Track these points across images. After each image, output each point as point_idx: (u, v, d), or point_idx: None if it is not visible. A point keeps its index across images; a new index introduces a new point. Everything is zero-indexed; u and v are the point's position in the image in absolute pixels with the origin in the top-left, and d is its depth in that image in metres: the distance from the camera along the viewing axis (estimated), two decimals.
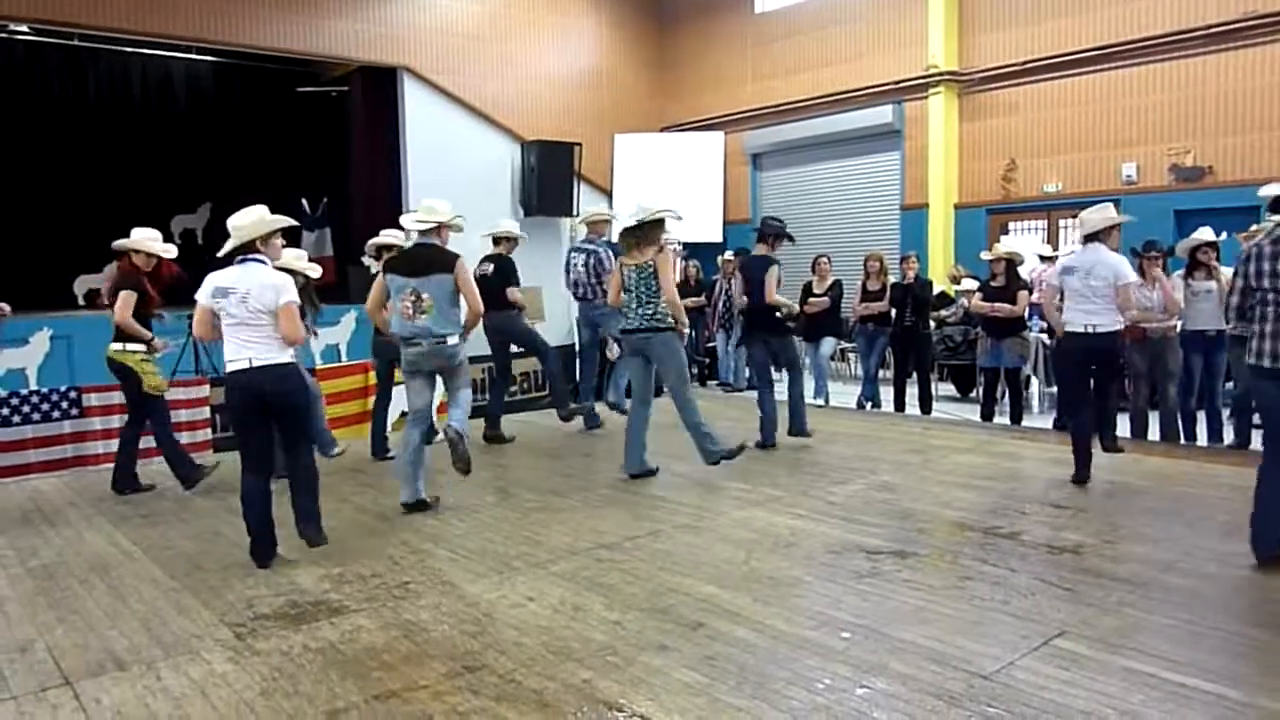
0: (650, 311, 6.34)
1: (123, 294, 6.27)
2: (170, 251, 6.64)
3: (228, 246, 4.78)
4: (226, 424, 7.90)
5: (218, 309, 4.68)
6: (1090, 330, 5.95)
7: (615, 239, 7.32)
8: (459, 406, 5.76)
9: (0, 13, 10.86)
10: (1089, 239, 6.05)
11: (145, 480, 6.57)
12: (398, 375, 7.25)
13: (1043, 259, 10.09)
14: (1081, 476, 6.10)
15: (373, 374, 8.67)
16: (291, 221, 5.09)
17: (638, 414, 6.53)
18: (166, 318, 7.00)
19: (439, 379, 5.84)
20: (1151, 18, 10.57)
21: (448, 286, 5.60)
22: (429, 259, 5.65)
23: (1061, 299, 6.14)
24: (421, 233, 5.84)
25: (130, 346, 6.33)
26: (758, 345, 7.59)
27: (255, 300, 4.63)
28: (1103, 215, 6.07)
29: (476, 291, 5.76)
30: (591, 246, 8.40)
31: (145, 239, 6.48)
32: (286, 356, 4.74)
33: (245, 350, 4.66)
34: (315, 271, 6.60)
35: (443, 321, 5.61)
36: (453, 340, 5.67)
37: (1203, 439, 7.74)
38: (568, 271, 8.51)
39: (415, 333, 5.61)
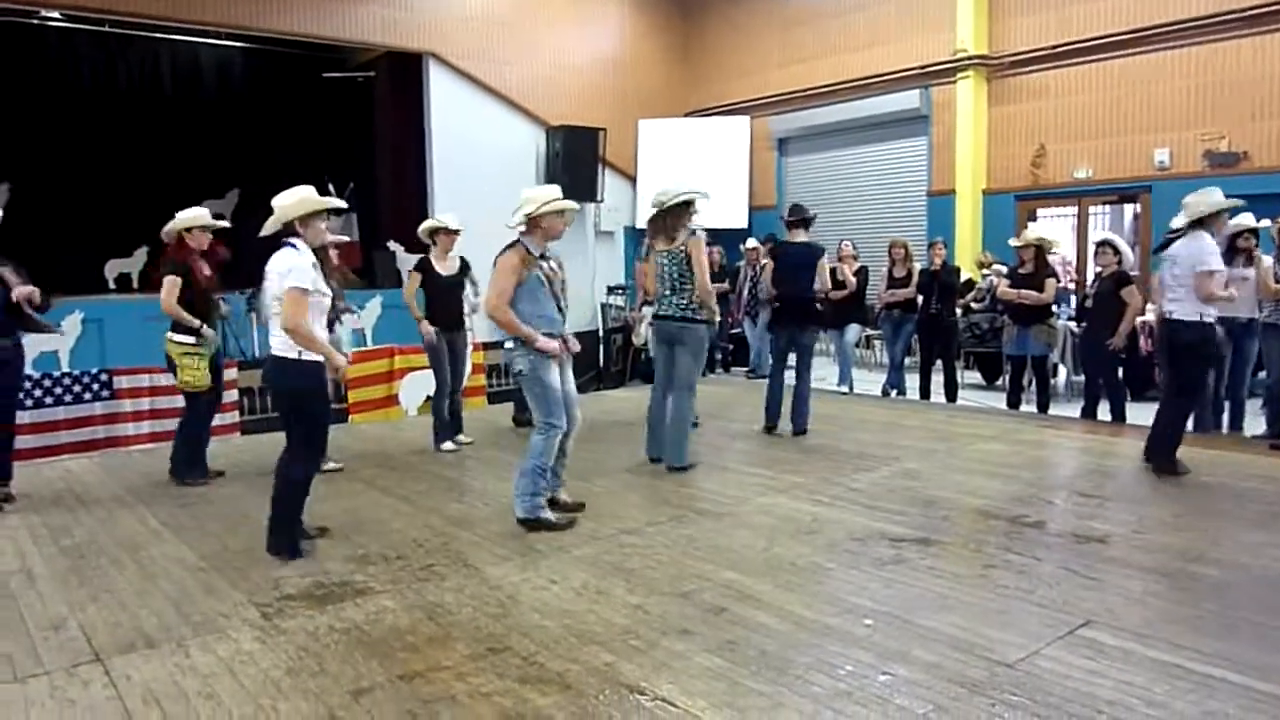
0: (685, 301, 6.29)
1: (167, 279, 6.00)
2: (222, 223, 6.36)
3: (267, 228, 4.64)
4: (257, 407, 7.99)
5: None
6: (1169, 317, 5.93)
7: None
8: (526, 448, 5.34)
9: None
10: (1194, 225, 5.88)
11: (215, 467, 6.47)
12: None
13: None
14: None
15: (399, 359, 8.75)
16: (337, 203, 4.89)
17: (662, 403, 6.50)
18: (226, 305, 6.63)
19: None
20: (1184, 1, 10.38)
21: None
22: None
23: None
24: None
25: (177, 336, 6.07)
26: (782, 335, 7.57)
27: (271, 289, 4.54)
28: (1206, 200, 5.87)
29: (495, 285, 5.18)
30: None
31: (196, 216, 6.14)
32: (293, 351, 4.50)
33: (270, 338, 4.65)
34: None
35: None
36: (508, 344, 5.38)
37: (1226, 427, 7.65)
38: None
39: None
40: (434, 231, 7.20)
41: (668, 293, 6.33)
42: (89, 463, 7.11)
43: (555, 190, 5.24)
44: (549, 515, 5.08)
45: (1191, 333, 5.88)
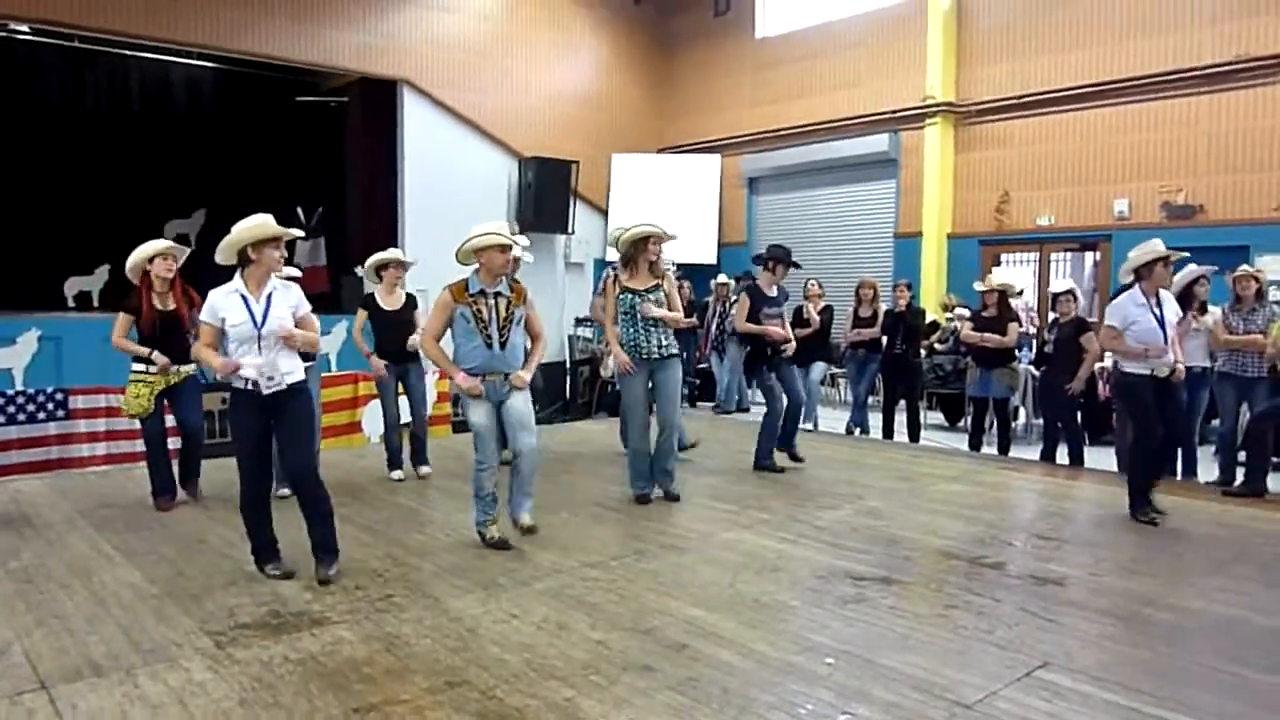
0: (668, 339, 6.36)
1: (119, 316, 6.03)
2: (182, 247, 6.25)
3: (221, 255, 4.64)
4: (216, 430, 7.88)
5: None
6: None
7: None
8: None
9: (1, 11, 10.87)
10: (1136, 278, 6.05)
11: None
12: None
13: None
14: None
15: (363, 385, 8.67)
16: (294, 233, 4.86)
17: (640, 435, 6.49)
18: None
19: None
20: (1147, 57, 10.70)
21: None
22: None
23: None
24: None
25: (134, 364, 6.06)
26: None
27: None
28: (1140, 252, 6.03)
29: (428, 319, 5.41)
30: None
31: (151, 247, 6.06)
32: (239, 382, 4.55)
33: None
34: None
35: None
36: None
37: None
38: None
39: None
40: (381, 267, 7.19)
41: (649, 330, 6.29)
42: (40, 484, 6.95)
43: (494, 225, 5.24)
44: (484, 534, 5.28)
45: (1118, 379, 6.17)
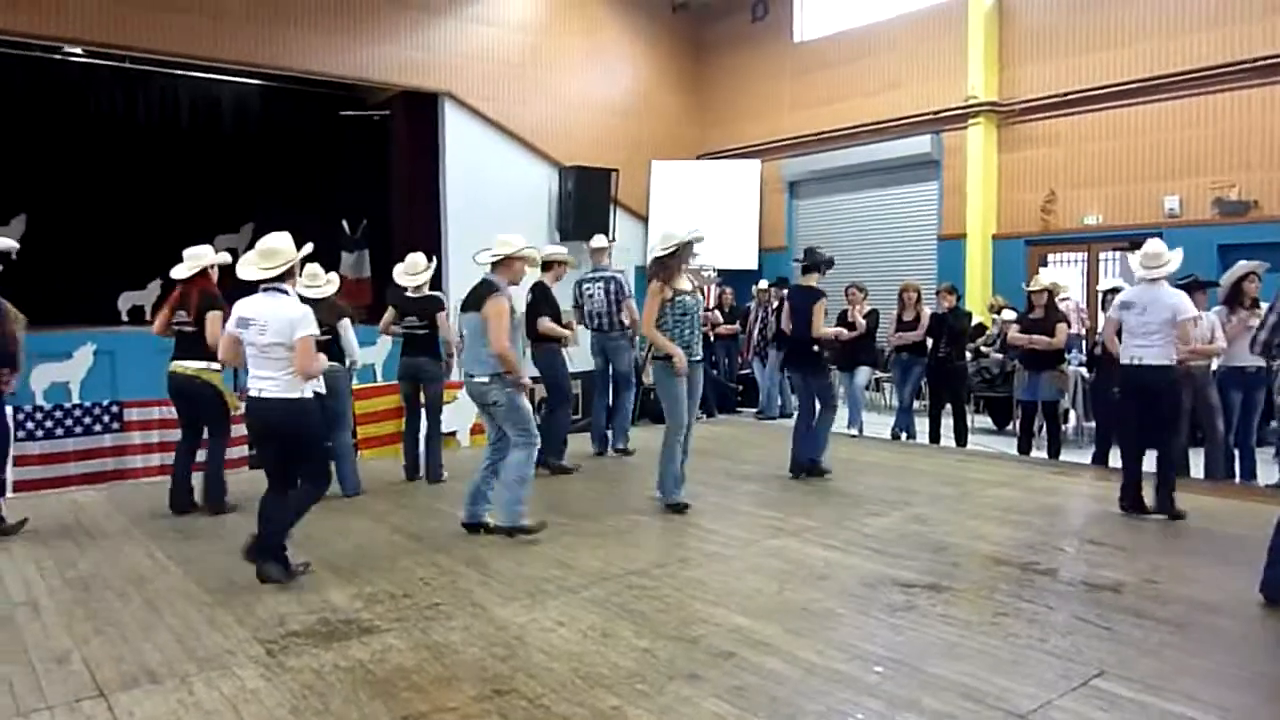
0: (695, 340, 6.36)
1: (211, 314, 6.07)
2: (223, 259, 6.45)
3: (256, 275, 4.78)
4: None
5: (241, 337, 4.73)
6: (1136, 363, 5.90)
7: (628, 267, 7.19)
8: (507, 464, 5.61)
9: (56, 35, 11.20)
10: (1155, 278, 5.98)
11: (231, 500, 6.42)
12: (423, 397, 7.30)
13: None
14: (1125, 504, 6.06)
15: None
16: (307, 249, 5.02)
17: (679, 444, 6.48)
18: None
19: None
20: (1197, 51, 10.49)
21: (476, 324, 5.47)
22: (474, 296, 5.55)
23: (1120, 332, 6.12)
24: (492, 265, 5.62)
25: (214, 365, 6.10)
26: (796, 377, 7.55)
27: (273, 333, 4.66)
28: (1177, 256, 6.03)
29: (501, 327, 5.39)
30: (608, 274, 8.18)
31: (205, 252, 6.35)
32: (298, 392, 4.73)
33: (259, 381, 4.72)
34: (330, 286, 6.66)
35: (470, 360, 5.57)
36: (480, 379, 5.50)
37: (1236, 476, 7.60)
38: (580, 303, 8.16)
39: (465, 370, 5.66)
40: (557, 262, 7.62)
41: (688, 335, 6.29)
42: (96, 494, 7.10)
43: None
44: (527, 523, 5.51)
45: (1163, 375, 5.95)
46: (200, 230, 13.27)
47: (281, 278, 4.80)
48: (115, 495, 7.06)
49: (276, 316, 4.69)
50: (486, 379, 5.46)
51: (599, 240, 8.67)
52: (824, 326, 7.30)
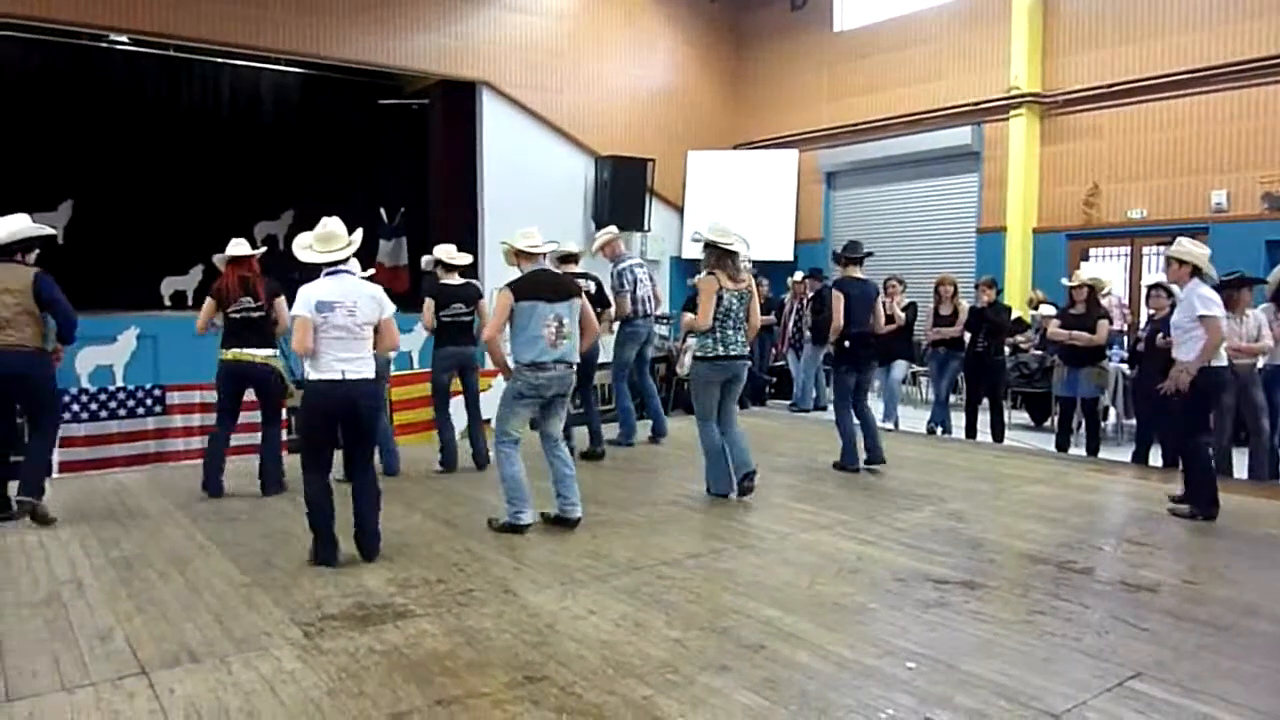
0: (744, 338, 6.39)
1: (280, 300, 6.23)
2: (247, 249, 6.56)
3: (323, 259, 4.87)
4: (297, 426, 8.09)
5: (319, 322, 4.73)
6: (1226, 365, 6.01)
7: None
8: (560, 432, 5.76)
9: (103, 23, 11.38)
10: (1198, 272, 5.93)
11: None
12: (455, 385, 7.35)
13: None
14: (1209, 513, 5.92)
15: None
16: (357, 235, 5.13)
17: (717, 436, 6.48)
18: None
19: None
20: (1245, 41, 10.26)
21: (578, 312, 5.57)
22: (566, 284, 5.63)
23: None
24: (542, 256, 5.73)
25: (277, 352, 6.35)
26: (856, 369, 7.43)
27: (362, 314, 4.77)
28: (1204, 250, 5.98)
29: (594, 318, 5.79)
30: (639, 261, 8.43)
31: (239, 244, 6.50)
32: (372, 371, 4.87)
33: (340, 363, 4.74)
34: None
35: (574, 348, 5.58)
36: (574, 367, 5.64)
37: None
38: (631, 288, 8.16)
39: (556, 358, 5.47)
40: (438, 263, 7.33)
41: (734, 331, 6.30)
42: (140, 476, 7.24)
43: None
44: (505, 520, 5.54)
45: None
46: (241, 217, 13.57)
47: (346, 260, 4.93)
48: (157, 477, 7.20)
49: (364, 296, 4.81)
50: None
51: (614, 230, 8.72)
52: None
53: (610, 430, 8.44)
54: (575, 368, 5.64)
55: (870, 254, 7.54)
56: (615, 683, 3.44)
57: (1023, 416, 10.94)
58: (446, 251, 7.29)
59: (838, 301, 7.25)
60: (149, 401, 7.68)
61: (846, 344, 7.32)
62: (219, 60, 14.03)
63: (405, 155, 15.55)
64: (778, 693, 3.36)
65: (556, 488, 5.63)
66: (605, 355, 8.48)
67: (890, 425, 9.78)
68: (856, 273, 7.42)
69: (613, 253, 8.23)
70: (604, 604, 4.29)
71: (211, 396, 7.54)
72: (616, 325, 8.19)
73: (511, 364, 5.55)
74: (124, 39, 12.82)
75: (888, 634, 3.95)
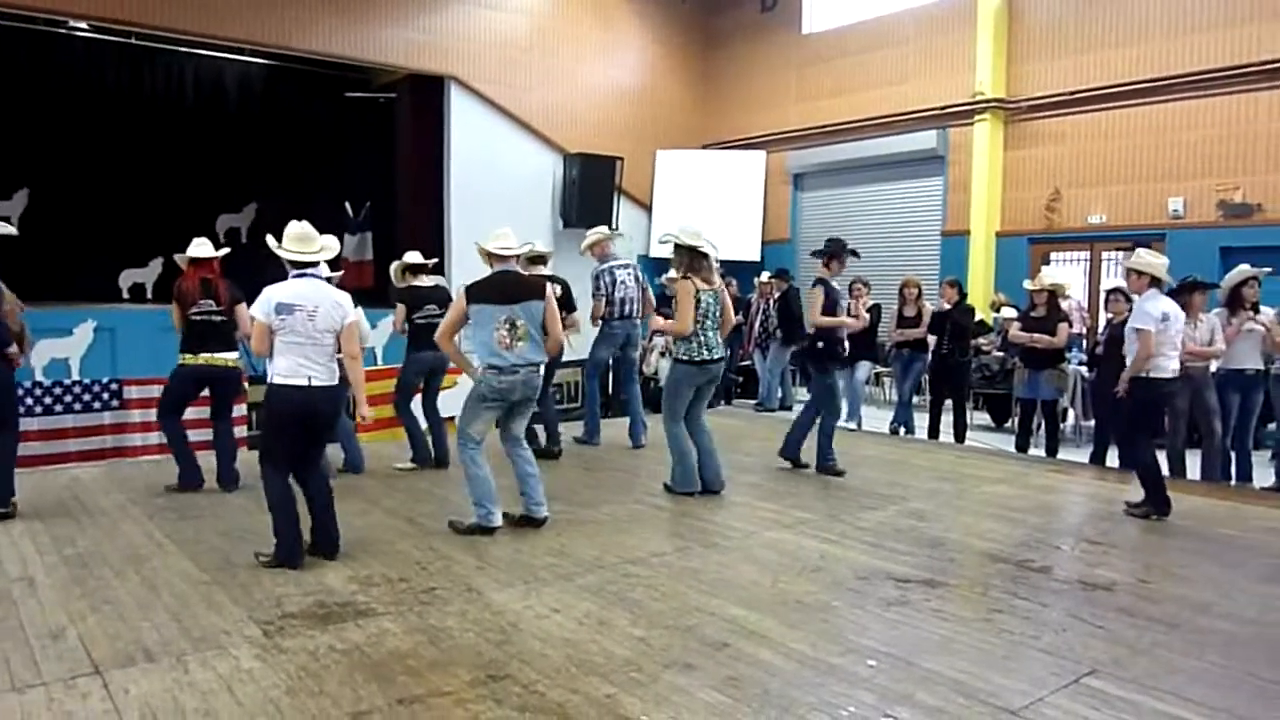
0: (720, 339, 6.41)
1: (241, 306, 6.18)
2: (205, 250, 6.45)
3: (301, 257, 4.80)
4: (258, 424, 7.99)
5: (277, 325, 4.64)
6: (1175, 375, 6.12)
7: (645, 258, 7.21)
8: (523, 432, 5.72)
9: (62, 9, 11.16)
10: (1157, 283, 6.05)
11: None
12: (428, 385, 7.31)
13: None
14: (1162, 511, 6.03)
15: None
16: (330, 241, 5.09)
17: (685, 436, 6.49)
18: None
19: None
20: (1204, 52, 10.46)
21: (539, 314, 5.48)
22: (525, 286, 5.54)
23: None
24: (513, 259, 5.66)
25: (239, 354, 6.37)
26: (840, 372, 7.42)
27: (322, 319, 4.68)
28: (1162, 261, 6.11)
29: (559, 319, 5.71)
30: (629, 262, 8.33)
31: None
32: (336, 377, 4.80)
33: (305, 369, 4.66)
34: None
35: (537, 349, 5.50)
36: (540, 369, 5.61)
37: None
38: (612, 288, 8.06)
39: (515, 361, 5.40)
40: (407, 269, 7.30)
41: (712, 332, 6.32)
42: (96, 471, 7.11)
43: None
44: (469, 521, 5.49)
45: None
46: (203, 209, 13.38)
47: (317, 263, 4.87)
48: (114, 473, 7.07)
49: (327, 301, 4.73)
50: (540, 368, 5.60)
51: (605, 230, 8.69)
52: (822, 316, 7.26)
53: (576, 429, 8.44)
54: (540, 368, 5.59)
55: (855, 253, 7.41)
56: (578, 681, 3.43)
57: (984, 418, 11.08)
58: (413, 255, 7.31)
59: (817, 299, 7.12)
60: (106, 395, 7.55)
61: (820, 344, 7.20)
62: (182, 49, 13.79)
63: (372, 149, 15.40)
64: (741, 690, 3.37)
65: (521, 488, 5.61)
66: (571, 354, 8.43)
67: (854, 425, 9.86)
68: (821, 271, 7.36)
69: (601, 253, 8.17)
70: (568, 602, 4.29)
71: None
72: (597, 326, 8.15)
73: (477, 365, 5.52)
74: (84, 26, 12.57)
75: (850, 632, 3.98)
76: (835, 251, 7.22)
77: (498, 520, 5.43)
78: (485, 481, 5.43)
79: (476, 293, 5.41)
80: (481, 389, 5.44)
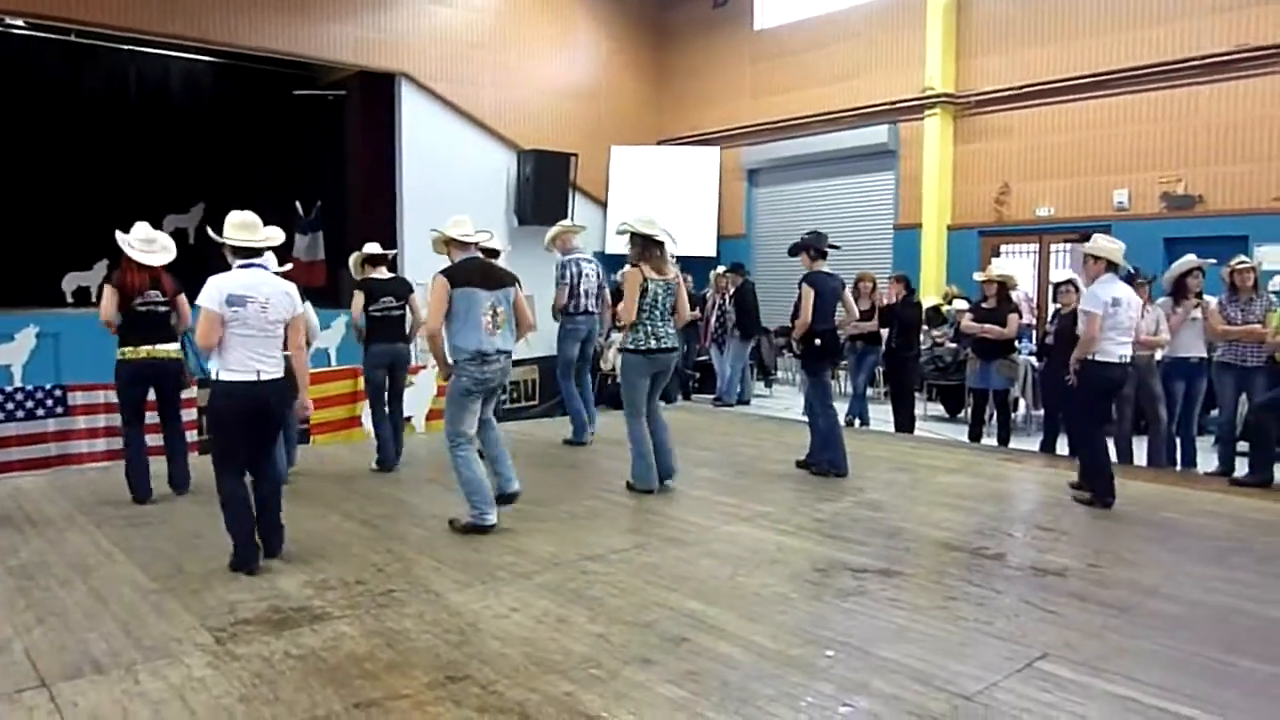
0: (674, 330, 6.39)
1: (184, 297, 6.07)
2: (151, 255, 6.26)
3: (250, 244, 4.70)
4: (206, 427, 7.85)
5: (229, 317, 4.50)
6: (1124, 361, 6.15)
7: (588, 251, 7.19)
8: (492, 415, 5.65)
9: None
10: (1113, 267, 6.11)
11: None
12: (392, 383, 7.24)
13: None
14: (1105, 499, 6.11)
15: (362, 380, 8.63)
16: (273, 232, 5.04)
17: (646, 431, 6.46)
18: None
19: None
20: (1146, 47, 10.67)
21: (512, 301, 5.44)
22: (499, 273, 5.49)
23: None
24: (474, 245, 5.55)
25: (179, 347, 6.24)
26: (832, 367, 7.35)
27: (274, 310, 4.59)
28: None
29: (528, 310, 5.67)
30: (592, 257, 8.33)
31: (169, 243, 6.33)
32: (283, 369, 4.70)
33: (254, 362, 4.56)
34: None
35: (509, 338, 5.46)
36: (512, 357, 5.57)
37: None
38: (578, 280, 8.02)
39: (500, 347, 5.36)
40: (368, 260, 7.20)
41: (663, 323, 6.30)
42: (40, 481, 6.93)
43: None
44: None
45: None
46: (149, 210, 12.95)
47: (263, 253, 4.79)
48: (59, 481, 6.90)
49: (278, 292, 4.64)
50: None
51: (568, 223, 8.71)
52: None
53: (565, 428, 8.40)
54: (510, 358, 5.54)
55: (837, 247, 7.32)
56: (537, 680, 3.42)
57: (938, 408, 11.23)
58: (372, 246, 7.24)
59: (808, 297, 6.88)
60: (49, 402, 7.35)
61: (817, 342, 6.99)
62: (124, 47, 13.49)
63: (322, 147, 15.20)
64: (700, 684, 3.39)
65: (493, 465, 5.57)
66: (524, 352, 8.40)
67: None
68: (823, 266, 7.15)
69: (564, 245, 8.17)
70: (526, 601, 4.27)
71: (116, 396, 7.27)
72: (558, 321, 8.12)
73: (450, 359, 5.40)
74: (20, 23, 12.24)
75: (808, 623, 4.01)
76: (810, 244, 7.07)
77: (493, 518, 5.38)
78: (480, 482, 5.38)
79: (461, 277, 5.29)
80: (464, 382, 5.32)
